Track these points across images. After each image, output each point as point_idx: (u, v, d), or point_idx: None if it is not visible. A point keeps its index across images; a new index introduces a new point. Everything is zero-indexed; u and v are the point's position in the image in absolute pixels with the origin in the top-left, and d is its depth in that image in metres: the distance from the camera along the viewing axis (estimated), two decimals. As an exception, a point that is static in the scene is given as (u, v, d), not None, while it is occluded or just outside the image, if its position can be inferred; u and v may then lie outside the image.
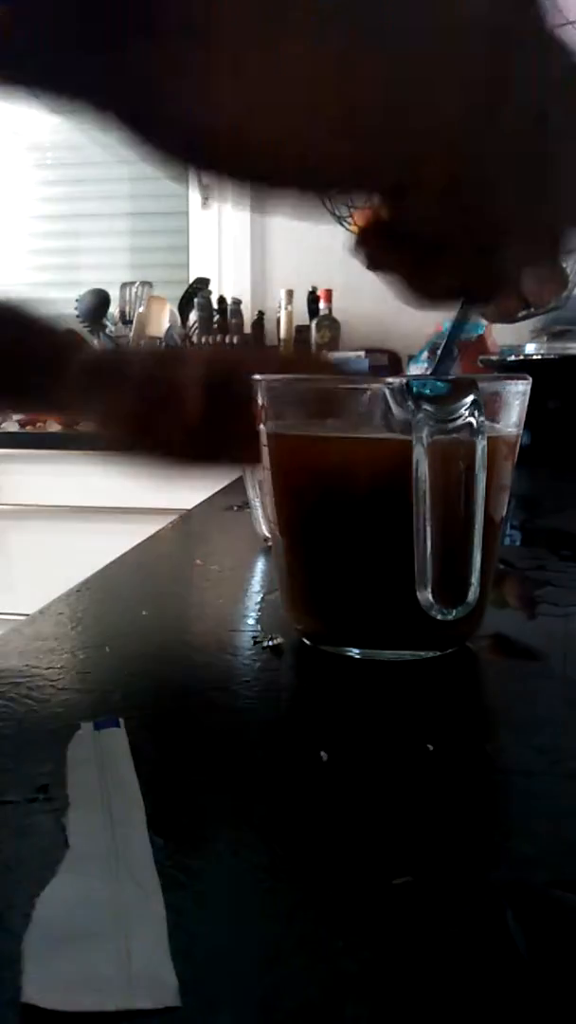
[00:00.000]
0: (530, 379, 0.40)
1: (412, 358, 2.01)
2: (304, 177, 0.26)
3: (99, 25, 0.23)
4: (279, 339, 2.04)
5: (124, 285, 2.18)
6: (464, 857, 0.25)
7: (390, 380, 0.36)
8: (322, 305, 2.10)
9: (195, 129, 0.25)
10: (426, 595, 0.34)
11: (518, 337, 1.86)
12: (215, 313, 2.09)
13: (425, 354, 1.96)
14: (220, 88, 0.24)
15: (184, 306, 2.16)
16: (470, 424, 0.34)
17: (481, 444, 0.34)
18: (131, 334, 2.10)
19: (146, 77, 0.24)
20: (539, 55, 0.25)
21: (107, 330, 2.14)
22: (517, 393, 0.40)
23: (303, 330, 2.09)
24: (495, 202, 0.25)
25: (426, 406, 0.33)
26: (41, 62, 0.24)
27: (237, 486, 0.76)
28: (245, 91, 0.24)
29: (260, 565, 0.60)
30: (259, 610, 0.51)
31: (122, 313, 2.16)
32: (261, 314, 2.22)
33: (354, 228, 1.72)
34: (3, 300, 0.52)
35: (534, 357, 1.31)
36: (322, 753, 0.31)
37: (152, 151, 0.26)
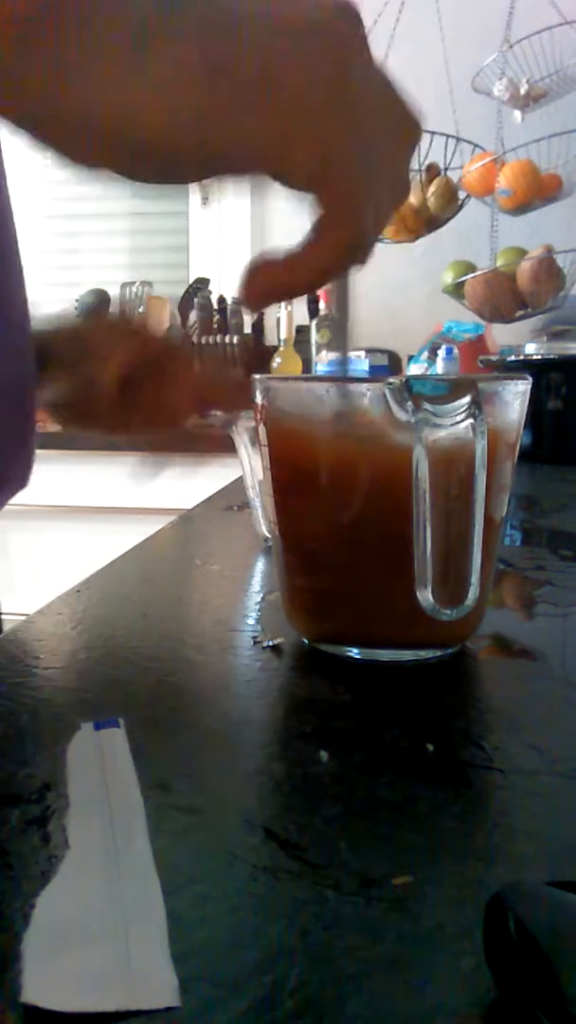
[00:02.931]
0: (530, 379, 0.40)
1: (412, 358, 2.01)
2: (208, 165, 0.28)
3: None
4: (279, 339, 2.04)
5: (124, 285, 2.18)
6: (464, 857, 0.25)
7: (390, 380, 0.36)
8: (322, 305, 2.10)
9: (90, 131, 0.26)
10: (426, 595, 0.34)
11: (518, 337, 1.86)
12: (215, 313, 2.09)
13: (425, 354, 1.96)
14: (99, 86, 0.25)
15: (184, 306, 2.16)
16: (470, 424, 0.34)
17: (481, 444, 0.34)
18: (131, 334, 2.10)
19: (37, 82, 0.25)
20: (368, 60, 0.29)
21: (107, 330, 2.14)
22: (517, 393, 0.40)
23: (303, 330, 2.09)
24: (351, 157, 0.29)
25: (426, 406, 0.33)
26: None
27: (237, 486, 0.76)
28: (131, 85, 0.25)
29: (260, 565, 0.60)
30: (259, 610, 0.51)
31: (122, 313, 2.16)
32: (261, 314, 2.22)
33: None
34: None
35: (534, 357, 1.31)
36: (322, 753, 0.31)
37: (52, 153, 0.27)
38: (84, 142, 0.27)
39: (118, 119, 0.26)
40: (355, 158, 0.29)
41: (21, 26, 0.24)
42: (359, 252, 0.31)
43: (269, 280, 0.31)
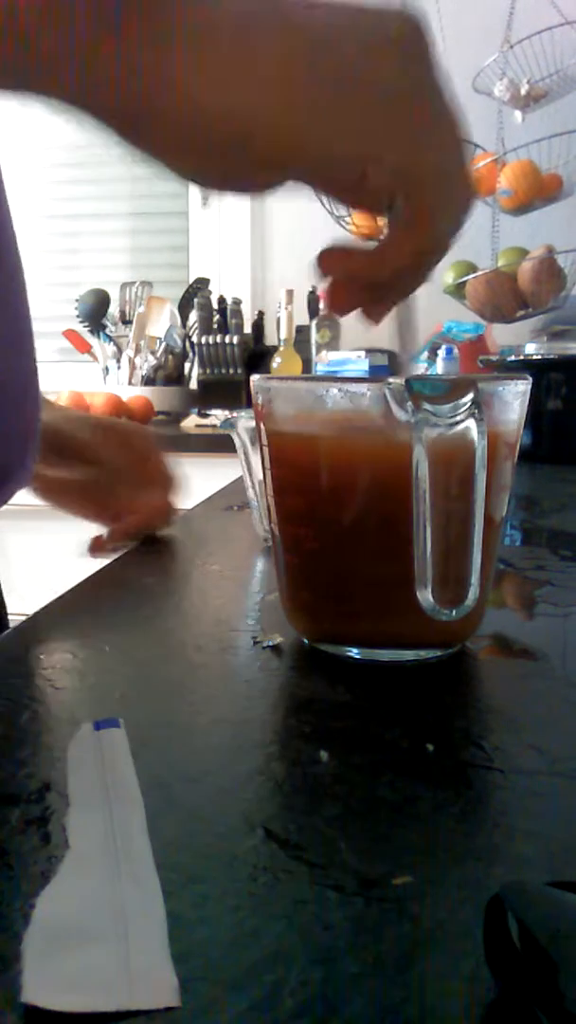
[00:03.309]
0: (530, 379, 0.40)
1: (412, 358, 2.01)
2: (298, 165, 0.29)
3: (82, 26, 0.25)
4: (279, 339, 2.04)
5: (124, 285, 2.18)
6: (464, 857, 0.25)
7: (390, 380, 0.36)
8: (322, 305, 2.09)
9: (185, 128, 0.27)
10: (426, 595, 0.34)
11: (518, 337, 1.86)
12: (215, 313, 2.09)
13: (425, 354, 1.96)
14: (192, 87, 0.26)
15: (184, 306, 2.16)
16: (470, 424, 0.34)
17: (481, 444, 0.34)
18: (131, 334, 2.10)
19: (123, 76, 0.26)
20: (440, 77, 0.30)
21: (107, 330, 2.14)
22: (517, 393, 0.40)
23: (303, 330, 2.08)
24: (431, 163, 0.30)
25: (426, 406, 0.33)
26: (28, 64, 0.25)
27: (237, 486, 0.76)
28: (223, 85, 0.26)
29: (260, 565, 0.60)
30: (259, 610, 0.51)
31: (122, 313, 2.16)
32: (261, 314, 2.22)
33: (353, 228, 1.72)
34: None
35: (534, 357, 1.31)
36: (322, 753, 0.31)
37: (138, 151, 0.28)
38: (178, 138, 0.27)
39: (222, 115, 0.26)
40: (439, 166, 0.30)
41: (117, 14, 0.24)
42: (436, 257, 0.32)
43: (345, 263, 0.32)
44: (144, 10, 0.25)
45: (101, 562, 0.60)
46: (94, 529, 0.69)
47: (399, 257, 0.31)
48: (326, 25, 0.27)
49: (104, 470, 0.64)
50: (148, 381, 2.08)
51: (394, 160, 0.29)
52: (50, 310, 2.13)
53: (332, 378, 0.39)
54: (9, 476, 0.57)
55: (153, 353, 2.09)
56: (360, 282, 0.32)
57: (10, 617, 0.69)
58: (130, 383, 2.08)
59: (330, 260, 0.32)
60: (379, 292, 0.33)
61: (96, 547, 0.64)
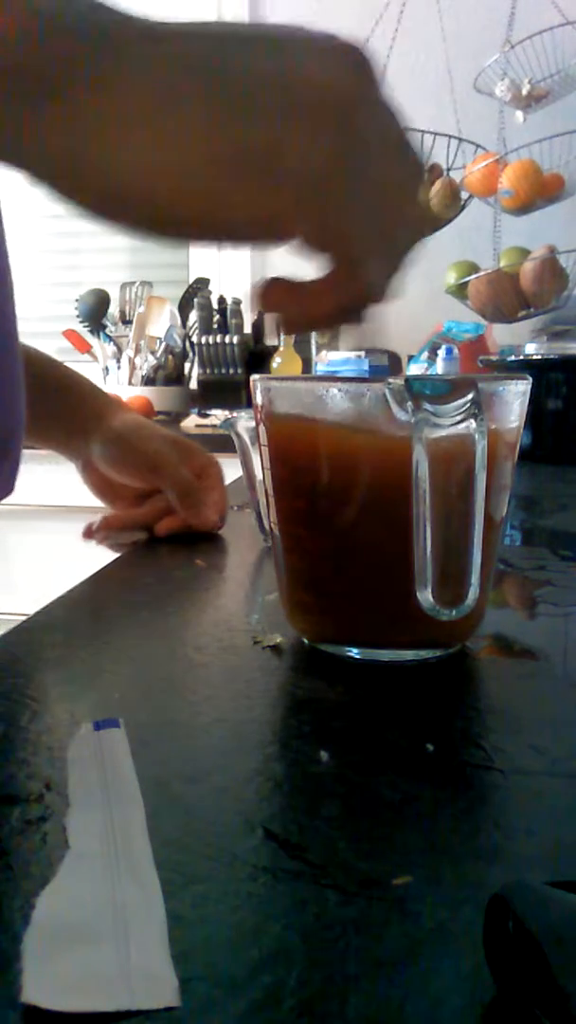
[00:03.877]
0: (530, 379, 0.40)
1: (412, 358, 2.01)
2: (213, 227, 0.29)
3: (20, 85, 0.25)
4: (279, 339, 2.04)
5: (124, 285, 2.18)
6: (464, 857, 0.25)
7: (390, 380, 0.36)
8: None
9: (105, 191, 0.27)
10: (426, 595, 0.34)
11: (518, 337, 1.86)
12: (215, 313, 2.09)
13: (425, 354, 1.96)
14: (122, 149, 0.26)
15: (184, 306, 2.16)
16: (470, 424, 0.33)
17: (481, 444, 0.34)
18: (131, 334, 2.10)
19: (55, 143, 0.26)
20: (377, 117, 0.29)
21: (107, 330, 2.14)
22: (517, 393, 0.40)
23: (303, 330, 2.08)
24: (355, 224, 0.29)
25: (426, 406, 0.33)
26: None
27: (237, 486, 0.76)
28: (145, 151, 0.26)
29: (260, 565, 0.60)
30: (259, 610, 0.51)
31: (122, 313, 2.16)
32: (261, 314, 2.22)
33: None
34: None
35: (534, 357, 1.31)
36: (322, 753, 0.31)
37: (74, 209, 0.28)
38: (100, 200, 0.28)
39: (134, 184, 0.27)
40: (358, 223, 0.29)
41: (25, 79, 0.25)
42: (370, 300, 0.31)
43: (280, 301, 0.32)
44: (39, 78, 0.25)
45: (100, 562, 0.60)
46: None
47: (331, 302, 0.31)
48: (246, 79, 0.27)
49: (164, 480, 0.67)
50: (148, 381, 2.08)
51: (312, 224, 0.29)
52: (50, 310, 2.14)
53: (332, 378, 0.39)
54: None
55: (153, 353, 2.09)
56: (296, 317, 0.33)
57: (10, 617, 0.69)
58: (130, 383, 2.08)
59: (267, 298, 0.32)
60: (320, 324, 0.33)
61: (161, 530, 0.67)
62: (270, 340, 2.07)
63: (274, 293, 0.32)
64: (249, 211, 0.28)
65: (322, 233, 0.29)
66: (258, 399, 0.42)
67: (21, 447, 0.60)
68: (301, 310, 0.32)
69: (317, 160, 0.27)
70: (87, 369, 2.38)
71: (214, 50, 0.27)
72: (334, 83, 0.27)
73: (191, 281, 2.21)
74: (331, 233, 0.29)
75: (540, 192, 1.70)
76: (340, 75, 0.28)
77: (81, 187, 0.27)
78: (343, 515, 0.40)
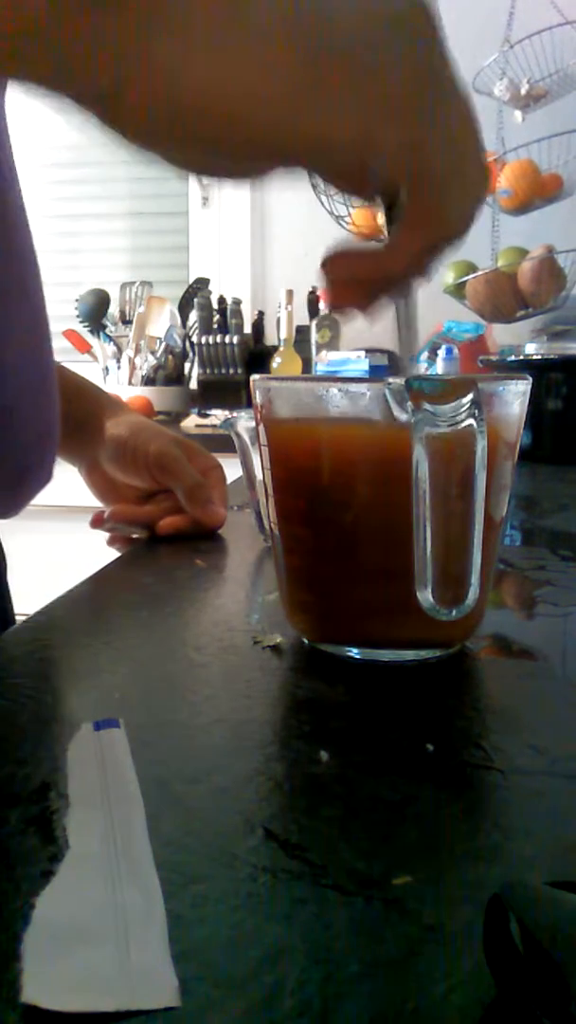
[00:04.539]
0: (530, 379, 0.40)
1: (412, 358, 2.00)
2: (290, 147, 0.27)
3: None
4: (279, 339, 2.04)
5: (124, 285, 2.18)
6: (464, 857, 0.25)
7: (390, 380, 0.36)
8: (322, 305, 2.09)
9: (174, 110, 0.25)
10: (426, 595, 0.34)
11: (518, 337, 1.86)
12: (215, 313, 2.09)
13: (425, 354, 1.96)
14: (178, 69, 0.24)
15: (184, 306, 2.16)
16: (470, 424, 0.33)
17: (481, 444, 0.34)
18: (131, 334, 2.10)
19: (116, 53, 0.24)
20: (447, 50, 0.28)
21: (107, 330, 2.14)
22: (517, 393, 0.40)
23: (303, 330, 2.08)
24: (438, 146, 0.28)
25: (426, 406, 0.33)
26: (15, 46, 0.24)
27: (237, 486, 0.76)
28: (222, 57, 0.25)
29: (260, 565, 0.60)
30: (259, 610, 0.51)
31: (122, 313, 2.16)
32: (261, 314, 2.22)
33: (353, 228, 1.72)
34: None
35: (534, 357, 1.31)
36: (322, 753, 0.31)
37: (126, 140, 0.26)
38: (171, 117, 0.25)
39: (212, 95, 0.25)
40: (445, 152, 0.28)
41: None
42: (445, 248, 0.30)
43: (351, 266, 0.30)
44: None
45: (101, 562, 0.60)
46: (97, 534, 0.69)
47: (406, 257, 0.30)
48: (332, 2, 0.25)
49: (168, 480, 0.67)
50: (148, 381, 2.08)
51: (395, 144, 0.27)
52: (50, 310, 2.13)
53: (332, 378, 0.39)
54: (28, 477, 0.57)
55: (153, 353, 2.09)
56: (365, 283, 0.31)
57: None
58: (130, 383, 2.08)
59: (336, 265, 0.31)
60: (383, 290, 0.32)
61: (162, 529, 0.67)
62: (313, 326, 2.06)
63: (344, 259, 0.30)
64: (332, 126, 0.26)
65: (407, 152, 0.27)
66: (258, 399, 0.42)
67: (58, 438, 0.60)
68: (382, 267, 0.30)
69: (401, 67, 0.26)
70: (87, 369, 2.38)
71: None
72: (411, 15, 0.27)
73: (191, 281, 2.21)
74: (416, 152, 0.27)
75: (538, 192, 1.70)
76: (414, 8, 0.27)
77: (153, 101, 0.25)
78: (343, 515, 0.40)
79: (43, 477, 0.59)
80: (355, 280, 0.31)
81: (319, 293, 2.10)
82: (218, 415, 1.79)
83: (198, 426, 1.84)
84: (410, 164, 0.28)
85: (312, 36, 0.25)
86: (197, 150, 0.27)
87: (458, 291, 1.68)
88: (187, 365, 2.15)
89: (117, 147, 0.27)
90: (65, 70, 0.25)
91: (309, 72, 0.25)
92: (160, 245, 2.37)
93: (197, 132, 0.26)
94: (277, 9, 0.25)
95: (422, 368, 1.90)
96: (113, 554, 0.66)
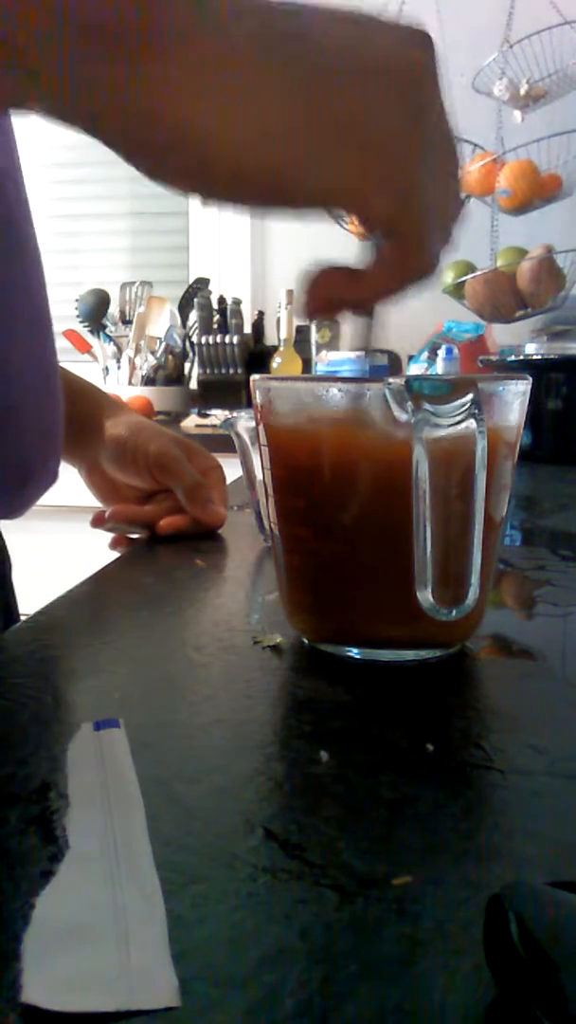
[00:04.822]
0: (530, 379, 0.40)
1: (412, 358, 2.01)
2: (294, 197, 0.29)
3: (95, 47, 0.25)
4: (279, 339, 2.04)
5: (124, 285, 2.18)
6: (464, 857, 0.25)
7: (390, 380, 0.36)
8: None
9: (183, 152, 0.27)
10: (426, 595, 0.34)
11: (518, 337, 1.86)
12: (215, 313, 2.09)
13: (425, 354, 1.95)
14: (205, 110, 0.26)
15: (184, 306, 2.16)
16: (470, 424, 0.34)
17: (481, 444, 0.34)
18: (131, 334, 2.10)
19: (134, 101, 0.26)
20: (439, 93, 0.30)
21: (107, 330, 2.14)
22: (517, 393, 0.40)
23: (303, 330, 2.08)
24: (425, 196, 0.30)
25: (426, 406, 0.33)
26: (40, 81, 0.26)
27: (237, 486, 0.76)
28: (228, 114, 0.26)
29: (260, 565, 0.60)
30: (259, 610, 0.51)
31: (122, 313, 2.16)
32: (261, 314, 2.22)
33: (352, 228, 1.72)
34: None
35: (534, 357, 1.31)
36: (322, 753, 0.31)
37: (146, 173, 0.28)
38: (176, 163, 0.27)
39: (220, 143, 0.27)
40: (430, 201, 0.30)
41: (112, 37, 0.25)
42: (425, 279, 0.32)
43: (332, 289, 0.32)
44: (144, 38, 0.25)
45: (101, 562, 0.60)
46: (97, 534, 0.69)
47: (388, 283, 0.32)
48: (329, 49, 0.27)
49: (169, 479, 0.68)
50: (148, 381, 2.08)
51: (385, 198, 0.29)
52: (50, 310, 2.13)
53: (332, 378, 0.39)
54: (31, 478, 0.57)
55: (153, 353, 2.09)
56: (347, 304, 0.33)
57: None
58: (130, 383, 2.08)
59: (321, 284, 0.32)
60: (353, 309, 0.34)
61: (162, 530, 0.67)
62: (313, 326, 2.06)
63: (329, 279, 0.32)
64: (332, 178, 0.28)
65: (397, 205, 0.29)
66: (258, 399, 0.42)
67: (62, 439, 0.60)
68: (359, 292, 0.32)
69: (397, 127, 0.28)
70: (87, 369, 2.38)
71: (295, 18, 0.27)
72: (406, 56, 0.28)
73: (191, 281, 2.21)
74: (405, 205, 0.29)
75: (538, 192, 1.70)
76: (410, 50, 0.28)
77: (159, 150, 0.27)
78: (343, 515, 0.40)
79: (47, 478, 0.59)
80: (332, 298, 0.33)
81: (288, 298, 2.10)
82: (218, 415, 1.79)
83: (198, 426, 1.84)
84: (399, 216, 0.30)
85: (311, 93, 0.27)
86: (204, 190, 0.28)
87: (457, 291, 1.68)
88: (187, 365, 2.15)
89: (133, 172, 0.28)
90: (80, 113, 0.26)
91: (310, 130, 0.27)
92: (160, 245, 2.37)
93: (202, 176, 0.28)
94: (276, 66, 0.26)
95: (422, 368, 1.91)
96: (113, 554, 0.66)
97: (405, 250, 0.31)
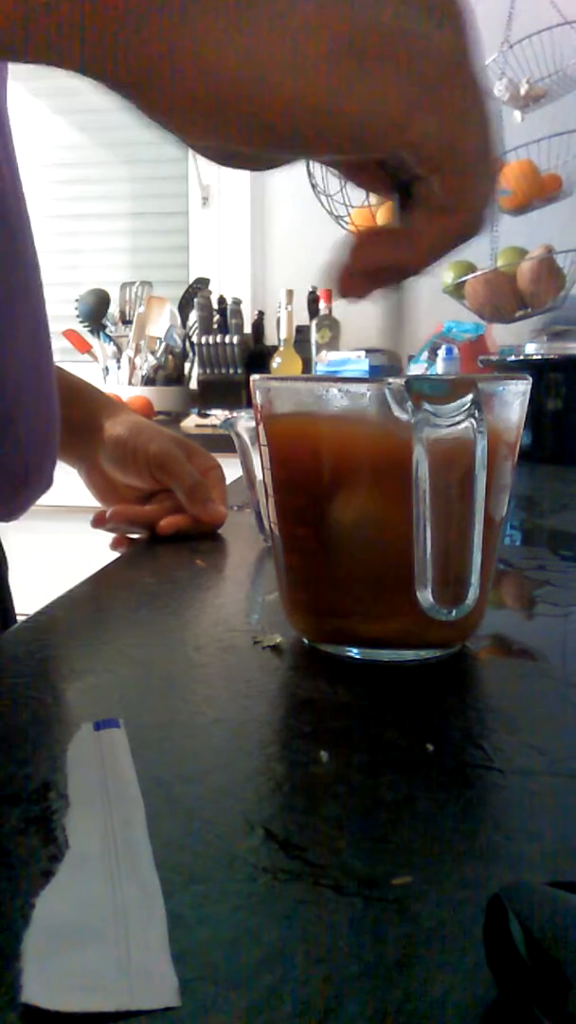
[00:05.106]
0: (530, 379, 0.40)
1: (412, 358, 2.01)
2: (325, 134, 0.26)
3: None
4: (279, 339, 2.04)
5: (124, 285, 2.18)
6: (464, 857, 0.25)
7: (390, 380, 0.36)
8: (322, 305, 2.09)
9: (203, 91, 0.25)
10: (426, 595, 0.34)
11: (518, 337, 1.86)
12: (215, 313, 2.09)
13: (425, 354, 1.95)
14: (214, 56, 0.24)
15: (184, 306, 2.16)
16: (470, 424, 0.34)
17: (481, 444, 0.34)
18: (131, 334, 2.10)
19: (149, 36, 0.24)
20: (474, 43, 0.28)
21: (107, 330, 2.14)
22: (517, 393, 0.40)
23: (303, 330, 2.08)
24: (471, 133, 0.28)
25: (426, 406, 0.33)
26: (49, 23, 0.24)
27: (237, 486, 0.76)
28: (261, 39, 0.24)
29: (260, 565, 0.60)
30: (259, 610, 0.51)
31: (122, 313, 2.16)
32: (261, 314, 2.22)
33: (352, 228, 1.72)
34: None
35: (534, 357, 1.31)
36: (322, 753, 0.31)
37: (154, 120, 0.26)
38: (209, 101, 0.25)
39: (250, 81, 0.25)
40: (478, 144, 0.28)
41: None
42: (477, 229, 0.30)
43: (377, 252, 0.30)
44: None
45: (101, 562, 0.60)
46: (96, 534, 0.69)
47: (434, 241, 0.30)
48: None
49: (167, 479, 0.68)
50: (148, 381, 2.08)
51: (433, 132, 0.27)
52: (50, 310, 2.13)
53: (332, 378, 0.39)
54: (27, 482, 0.57)
55: (153, 353, 2.09)
56: (381, 272, 0.31)
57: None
58: (130, 383, 2.08)
59: (362, 252, 0.30)
60: (395, 279, 0.32)
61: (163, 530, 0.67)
62: (313, 326, 2.05)
63: (370, 244, 0.30)
64: (369, 107, 0.26)
65: (443, 137, 0.27)
66: (258, 399, 0.42)
67: (58, 444, 0.60)
68: (405, 253, 0.30)
69: (438, 53, 0.26)
70: (87, 369, 2.38)
71: None
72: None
73: (191, 281, 2.21)
74: (452, 138, 0.27)
75: (538, 192, 1.70)
76: None
77: (190, 87, 0.25)
78: (343, 515, 0.40)
79: (43, 482, 0.59)
80: (374, 267, 0.31)
81: (319, 292, 2.10)
82: (218, 415, 1.79)
83: (198, 426, 1.84)
84: (444, 152, 0.28)
85: (349, 23, 0.25)
86: (234, 138, 0.26)
87: (457, 291, 1.68)
88: (187, 365, 2.15)
89: (155, 132, 0.27)
90: (99, 58, 0.25)
91: (347, 60, 0.25)
92: (160, 245, 2.37)
93: (235, 119, 0.26)
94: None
95: (422, 368, 1.90)
96: (113, 554, 0.66)
97: (454, 194, 0.28)
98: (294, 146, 0.27)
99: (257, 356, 2.09)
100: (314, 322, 2.10)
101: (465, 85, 0.27)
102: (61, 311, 2.13)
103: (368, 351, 1.94)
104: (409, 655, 0.41)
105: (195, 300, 2.10)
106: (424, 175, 0.28)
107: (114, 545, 0.70)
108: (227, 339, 2.04)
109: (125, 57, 0.25)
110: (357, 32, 0.25)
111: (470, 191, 0.29)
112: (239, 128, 0.26)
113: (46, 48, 0.24)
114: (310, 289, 2.13)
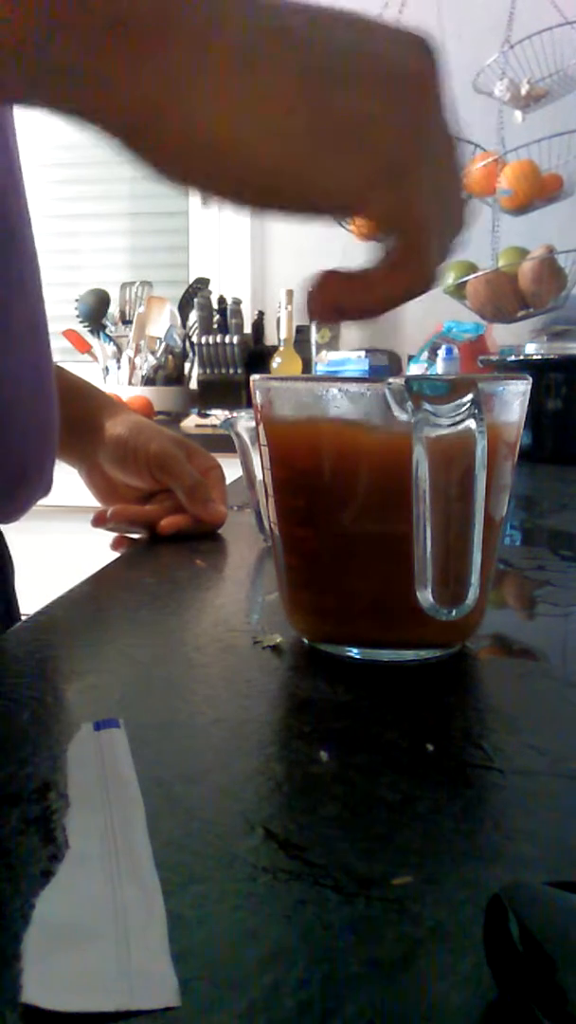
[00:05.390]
0: (530, 379, 0.40)
1: (412, 358, 2.01)
2: (296, 197, 0.29)
3: (106, 40, 0.25)
4: (279, 339, 2.04)
5: (124, 285, 2.18)
6: (464, 857, 0.25)
7: (390, 380, 0.36)
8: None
9: (189, 148, 0.27)
10: (426, 595, 0.34)
11: (518, 337, 1.86)
12: (215, 313, 2.09)
13: (425, 354, 1.95)
14: (215, 105, 0.26)
15: (184, 306, 2.16)
16: (470, 424, 0.34)
17: (481, 444, 0.34)
18: (131, 334, 2.10)
19: (144, 96, 0.26)
20: (442, 101, 0.30)
21: (107, 330, 2.14)
22: (517, 393, 0.40)
23: (303, 330, 2.08)
24: (427, 199, 0.30)
25: (426, 406, 0.33)
26: (49, 75, 0.26)
27: (237, 486, 0.76)
28: (236, 109, 0.26)
29: (260, 565, 0.60)
30: (259, 610, 0.51)
31: (122, 313, 2.16)
32: (261, 314, 2.22)
33: (353, 229, 1.72)
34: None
35: (534, 357, 1.31)
36: (322, 753, 0.31)
37: (149, 168, 0.28)
38: (182, 157, 0.27)
39: (225, 141, 0.27)
40: (433, 205, 0.30)
41: (130, 32, 0.25)
42: (427, 286, 0.32)
43: (335, 294, 0.32)
44: (154, 32, 0.25)
45: (101, 562, 0.60)
46: (97, 534, 0.70)
47: (388, 291, 0.32)
48: (333, 52, 0.27)
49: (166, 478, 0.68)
50: (148, 381, 2.08)
51: (388, 202, 0.29)
52: (50, 310, 2.13)
53: (332, 378, 0.39)
54: (26, 483, 0.57)
55: (153, 353, 2.09)
56: (352, 310, 0.33)
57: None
58: (130, 383, 2.08)
59: (325, 289, 0.32)
60: (357, 316, 0.34)
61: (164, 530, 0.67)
62: (313, 326, 2.06)
63: (332, 284, 0.32)
64: (334, 180, 0.28)
65: (398, 208, 0.29)
66: (258, 399, 0.42)
67: (56, 447, 0.60)
68: (362, 298, 0.32)
69: (398, 131, 0.28)
70: (87, 369, 2.38)
71: (303, 20, 0.27)
72: (406, 62, 0.28)
73: (191, 281, 2.21)
74: (406, 209, 0.29)
75: (539, 192, 1.70)
76: (413, 55, 0.29)
77: (165, 142, 0.27)
78: (343, 515, 0.40)
79: (43, 482, 0.59)
80: (335, 304, 0.33)
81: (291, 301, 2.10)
82: (218, 415, 1.79)
83: (198, 426, 1.84)
84: (398, 219, 0.30)
85: (314, 94, 0.27)
86: (222, 191, 0.29)
87: (458, 291, 1.68)
88: (187, 365, 2.15)
89: (134, 170, 0.28)
90: (88, 105, 0.27)
91: (313, 131, 0.27)
92: (160, 245, 2.37)
93: (202, 172, 0.28)
94: (283, 66, 0.27)
95: (422, 368, 1.90)
96: (113, 554, 0.66)
97: (408, 254, 0.31)
98: (279, 203, 0.29)
99: (257, 356, 2.09)
100: (314, 322, 2.10)
101: (428, 156, 0.29)
102: (61, 311, 2.13)
103: (368, 351, 1.94)
104: (409, 655, 0.41)
105: (195, 300, 2.10)
106: (384, 234, 0.31)
107: (114, 545, 0.70)
108: (227, 339, 2.04)
109: (117, 106, 0.26)
110: (331, 114, 0.27)
111: (422, 253, 0.31)
112: (226, 183, 0.28)
113: (32, 88, 0.26)
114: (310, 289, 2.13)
